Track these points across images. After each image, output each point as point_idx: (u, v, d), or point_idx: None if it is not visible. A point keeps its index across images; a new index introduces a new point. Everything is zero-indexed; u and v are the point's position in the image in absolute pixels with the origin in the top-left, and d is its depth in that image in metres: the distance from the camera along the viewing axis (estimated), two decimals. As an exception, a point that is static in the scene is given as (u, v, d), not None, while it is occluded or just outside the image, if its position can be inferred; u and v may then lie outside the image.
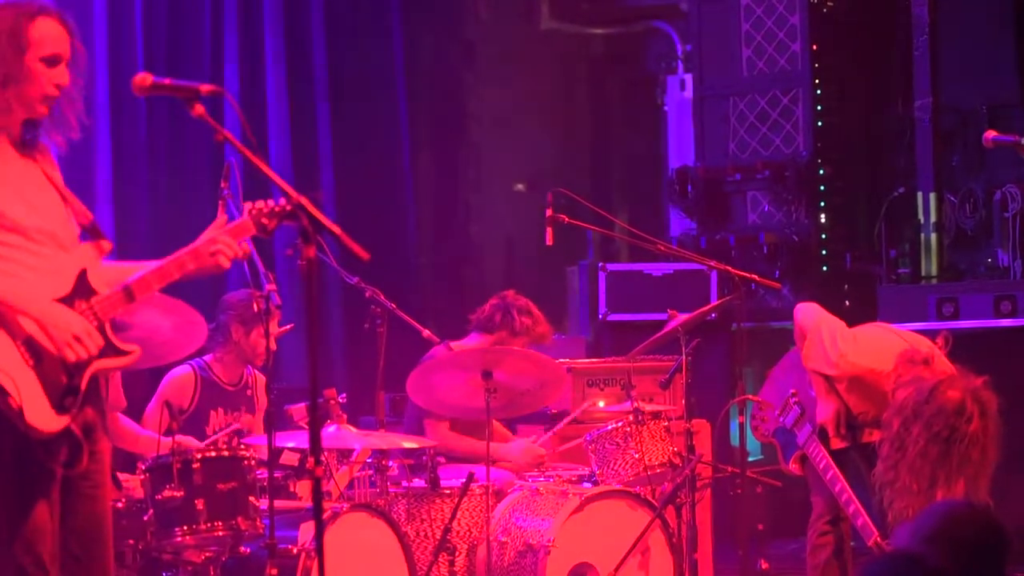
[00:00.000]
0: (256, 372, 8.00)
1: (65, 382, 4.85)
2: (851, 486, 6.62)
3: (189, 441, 7.07)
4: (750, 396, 7.36)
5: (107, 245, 5.13)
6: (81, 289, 4.98)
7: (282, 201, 4.93)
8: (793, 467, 7.08)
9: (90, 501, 5.05)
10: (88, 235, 5.14)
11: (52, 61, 4.97)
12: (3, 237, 4.89)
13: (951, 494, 5.85)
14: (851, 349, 6.61)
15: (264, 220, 5.10)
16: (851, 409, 6.74)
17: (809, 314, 6.93)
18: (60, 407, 4.82)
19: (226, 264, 5.13)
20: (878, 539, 6.29)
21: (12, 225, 4.89)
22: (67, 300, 4.92)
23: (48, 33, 4.97)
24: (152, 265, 5.07)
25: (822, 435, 6.81)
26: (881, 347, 6.57)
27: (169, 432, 6.59)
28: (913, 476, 5.85)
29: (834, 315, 6.92)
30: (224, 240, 5.09)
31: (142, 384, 7.83)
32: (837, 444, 6.82)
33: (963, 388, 5.88)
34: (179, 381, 7.75)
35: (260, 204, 5.09)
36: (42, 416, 4.77)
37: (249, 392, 7.95)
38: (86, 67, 5.15)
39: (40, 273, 4.92)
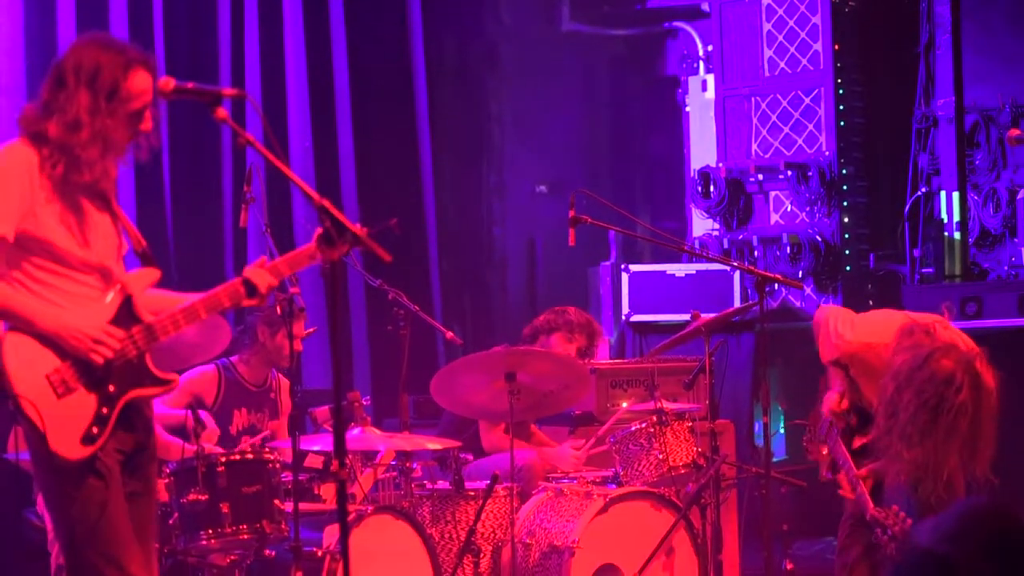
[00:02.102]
0: (280, 376, 8.02)
1: (95, 412, 4.85)
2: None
3: (212, 434, 7.11)
4: (799, 421, 7.38)
5: (156, 274, 5.12)
6: (123, 317, 4.97)
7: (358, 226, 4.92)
8: (824, 473, 7.09)
9: (136, 506, 5.04)
10: (141, 261, 5.14)
11: (140, 113, 4.96)
12: (51, 266, 4.90)
13: (941, 464, 5.86)
14: (848, 329, 6.65)
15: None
16: (866, 398, 6.75)
17: (823, 310, 6.97)
18: (87, 437, 4.83)
19: (263, 301, 5.13)
20: (873, 511, 6.28)
21: (61, 256, 4.89)
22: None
23: (139, 87, 4.94)
24: (178, 307, 5.05)
25: (845, 435, 6.82)
26: (881, 323, 6.59)
27: (195, 435, 6.60)
28: (904, 443, 5.86)
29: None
30: (259, 276, 5.06)
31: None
32: (859, 441, 6.84)
33: (957, 358, 5.88)
34: (202, 376, 7.77)
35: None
36: (65, 444, 4.80)
37: (273, 395, 7.97)
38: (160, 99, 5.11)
39: (83, 301, 4.93)
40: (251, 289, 5.03)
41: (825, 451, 6.98)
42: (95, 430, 4.84)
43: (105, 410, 4.88)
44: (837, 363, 6.82)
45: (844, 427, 6.81)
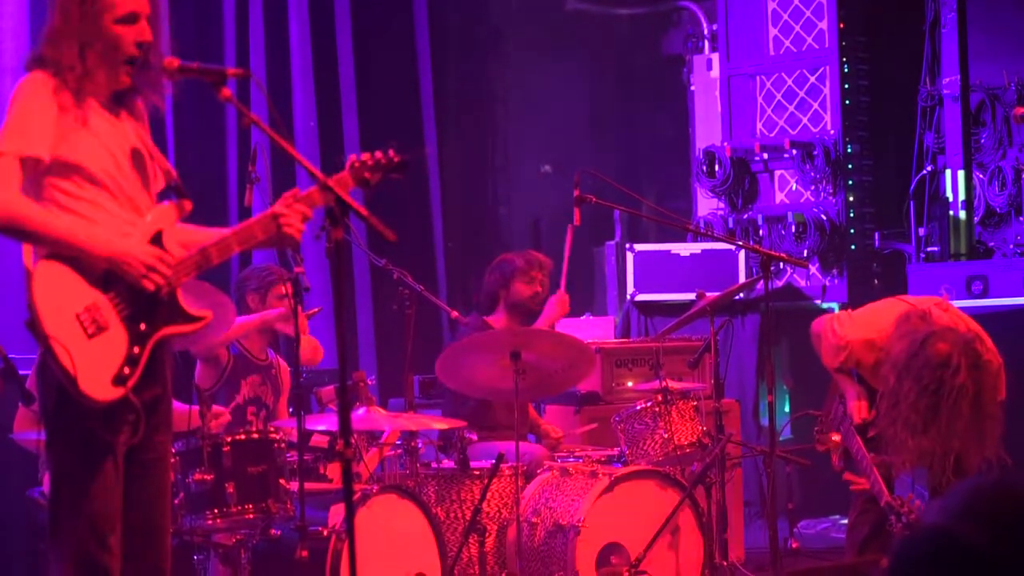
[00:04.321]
0: (279, 356, 8.04)
1: (126, 352, 4.79)
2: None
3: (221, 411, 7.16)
4: (812, 412, 7.38)
5: (188, 206, 5.07)
6: None
7: (390, 152, 4.87)
8: (835, 462, 7.11)
9: (151, 474, 5.00)
10: (172, 194, 5.10)
11: (130, 19, 4.89)
12: (82, 192, 4.84)
13: (947, 448, 5.87)
14: (848, 329, 6.65)
15: (366, 174, 5.03)
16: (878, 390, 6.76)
17: (820, 320, 6.98)
18: (118, 378, 4.75)
19: (296, 235, 5.06)
20: (888, 498, 6.29)
21: (94, 178, 4.83)
22: None
23: None
24: (211, 240, 5.00)
25: (859, 427, 6.84)
26: (879, 314, 6.59)
27: (200, 416, 6.60)
28: (908, 430, 5.87)
29: (862, 297, 6.94)
30: (292, 210, 5.01)
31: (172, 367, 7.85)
32: (873, 431, 6.86)
33: (952, 340, 5.88)
34: None
35: (364, 156, 5.01)
36: (97, 386, 4.71)
37: (274, 371, 7.98)
38: (170, 18, 5.06)
39: (113, 232, 4.85)
40: (282, 226, 4.98)
41: (837, 439, 7.00)
42: (126, 370, 4.77)
43: (136, 349, 4.80)
44: (841, 369, 6.82)
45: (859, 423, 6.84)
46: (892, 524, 6.23)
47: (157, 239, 4.93)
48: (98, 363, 4.74)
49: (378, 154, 5.03)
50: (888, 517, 6.28)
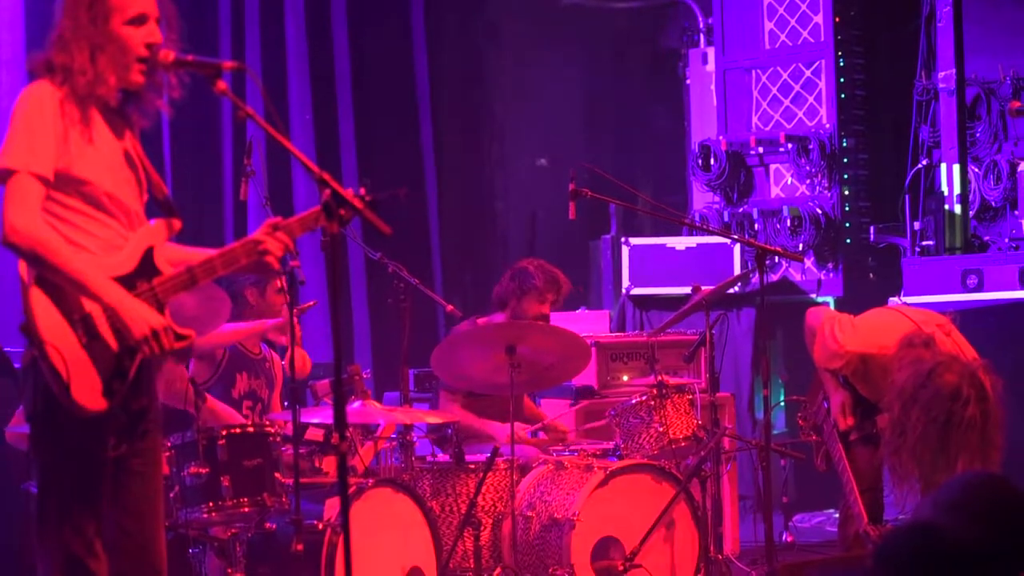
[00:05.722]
0: (273, 351, 8.04)
1: (115, 364, 4.77)
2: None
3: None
4: (797, 397, 7.39)
5: (177, 224, 5.07)
6: (145, 268, 4.89)
7: (362, 191, 4.87)
8: (819, 463, 7.13)
9: (142, 479, 4.97)
10: (161, 211, 5.09)
11: (139, 21, 4.87)
12: (81, 206, 4.82)
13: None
14: (849, 338, 6.64)
15: (342, 211, 5.02)
16: (867, 398, 6.76)
17: (817, 314, 6.96)
18: (107, 390, 4.74)
19: (274, 264, 5.06)
20: (868, 526, 6.31)
21: (93, 194, 4.81)
22: (129, 278, 4.83)
23: None
24: (196, 261, 4.99)
25: (842, 433, 6.85)
26: (883, 330, 6.57)
27: (196, 408, 6.60)
28: (914, 461, 5.83)
29: (857, 291, 6.94)
30: (273, 238, 5.00)
31: (167, 361, 7.86)
32: (854, 436, 6.88)
33: (960, 371, 5.82)
34: None
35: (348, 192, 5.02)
36: (88, 395, 4.70)
37: (268, 365, 7.98)
38: (179, 21, 5.02)
39: (107, 247, 4.84)
40: (264, 253, 4.98)
41: (817, 439, 7.02)
42: (115, 384, 4.75)
43: (126, 363, 4.80)
44: (834, 371, 6.82)
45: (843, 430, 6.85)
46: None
47: (148, 255, 4.92)
48: (89, 372, 4.73)
49: (349, 190, 5.02)
50: (866, 545, 6.31)
